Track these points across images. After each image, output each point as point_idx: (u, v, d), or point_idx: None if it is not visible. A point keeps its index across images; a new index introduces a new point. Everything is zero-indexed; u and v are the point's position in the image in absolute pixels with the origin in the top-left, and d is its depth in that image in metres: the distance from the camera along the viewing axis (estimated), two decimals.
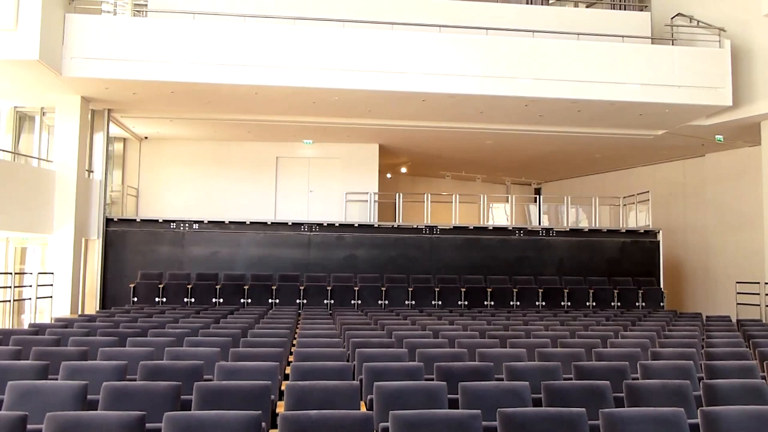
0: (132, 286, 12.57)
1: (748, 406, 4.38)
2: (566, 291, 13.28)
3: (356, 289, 12.79)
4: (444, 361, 6.09)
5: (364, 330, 8.63)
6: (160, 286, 12.54)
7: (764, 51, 12.38)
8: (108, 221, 13.28)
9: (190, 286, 12.55)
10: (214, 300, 12.36)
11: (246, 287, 12.63)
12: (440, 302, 12.69)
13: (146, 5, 12.38)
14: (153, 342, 7.04)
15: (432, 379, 5.65)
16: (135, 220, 13.74)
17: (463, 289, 12.94)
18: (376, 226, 14.41)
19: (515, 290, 13.13)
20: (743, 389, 5.16)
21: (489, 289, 13.06)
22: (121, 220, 13.56)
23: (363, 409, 5.11)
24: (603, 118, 13.41)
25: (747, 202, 14.86)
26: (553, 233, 14.54)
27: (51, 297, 11.76)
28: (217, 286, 12.63)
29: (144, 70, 11.08)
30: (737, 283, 13.91)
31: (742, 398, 4.99)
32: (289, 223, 14.02)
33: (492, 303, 12.87)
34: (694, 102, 12.21)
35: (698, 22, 12.94)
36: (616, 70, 12.07)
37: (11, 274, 11.76)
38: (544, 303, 12.97)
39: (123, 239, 13.38)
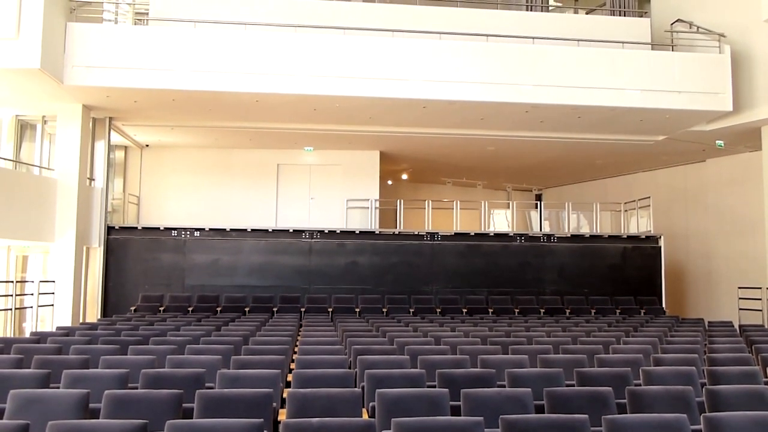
0: (133, 309, 12.57)
1: (751, 412, 4.37)
2: (568, 310, 13.16)
3: (357, 310, 12.71)
4: (446, 368, 6.08)
5: (366, 337, 8.62)
6: (161, 308, 12.53)
7: (764, 56, 12.38)
8: (109, 229, 13.28)
9: (191, 309, 12.51)
10: None
11: (247, 309, 12.57)
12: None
13: (147, 14, 12.43)
14: (154, 350, 7.05)
15: (434, 386, 5.64)
16: (136, 227, 13.74)
17: (464, 310, 12.83)
18: (377, 232, 14.40)
19: (517, 310, 13.02)
20: (746, 395, 5.15)
21: (491, 309, 12.96)
22: (122, 228, 13.56)
23: (365, 416, 5.10)
24: (604, 124, 13.43)
25: (748, 207, 14.85)
26: (554, 239, 14.53)
27: (52, 305, 11.76)
28: (218, 308, 12.57)
29: (145, 79, 11.11)
30: (739, 288, 13.88)
31: (745, 404, 4.99)
32: (291, 231, 13.99)
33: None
34: (694, 107, 12.22)
35: (698, 27, 12.96)
36: (616, 76, 12.08)
37: (13, 282, 11.76)
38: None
39: (124, 247, 13.38)
